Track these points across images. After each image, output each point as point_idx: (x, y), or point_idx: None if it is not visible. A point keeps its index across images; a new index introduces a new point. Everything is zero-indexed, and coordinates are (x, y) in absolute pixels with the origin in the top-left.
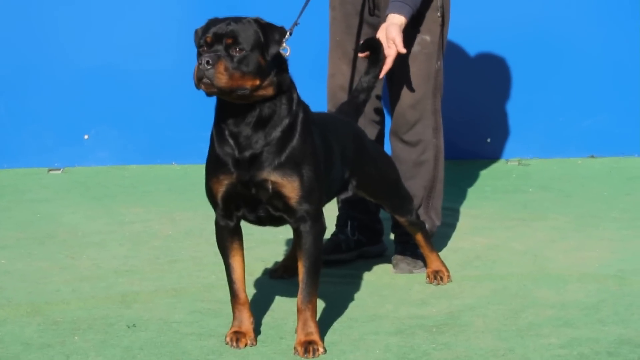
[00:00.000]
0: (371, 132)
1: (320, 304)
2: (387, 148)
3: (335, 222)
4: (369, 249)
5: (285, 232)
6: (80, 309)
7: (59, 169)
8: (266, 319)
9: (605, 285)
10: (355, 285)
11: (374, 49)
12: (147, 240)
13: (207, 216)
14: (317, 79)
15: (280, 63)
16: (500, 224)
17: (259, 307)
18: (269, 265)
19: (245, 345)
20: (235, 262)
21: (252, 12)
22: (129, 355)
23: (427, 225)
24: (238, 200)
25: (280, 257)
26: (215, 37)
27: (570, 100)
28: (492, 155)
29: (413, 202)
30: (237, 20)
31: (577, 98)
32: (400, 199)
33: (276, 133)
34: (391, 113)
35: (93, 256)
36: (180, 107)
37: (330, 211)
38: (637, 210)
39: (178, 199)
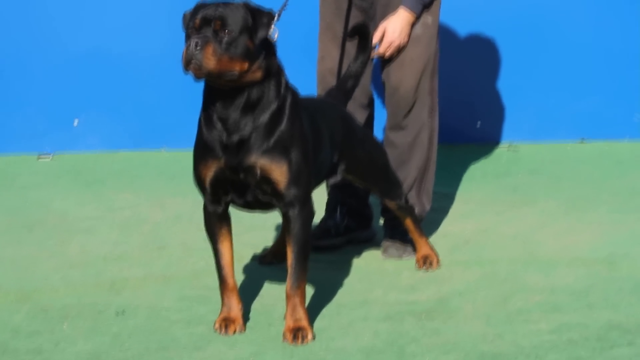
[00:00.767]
0: (360, 117)
1: (309, 290)
2: (377, 133)
3: (324, 207)
4: (358, 235)
5: (275, 217)
6: (69, 296)
7: (49, 155)
8: (255, 305)
9: (595, 269)
10: (344, 270)
11: (363, 34)
12: (137, 226)
13: (196, 202)
14: (306, 62)
15: (268, 47)
16: (490, 209)
17: (248, 293)
18: (258, 251)
19: (234, 331)
20: (224, 247)
21: None
22: (118, 342)
23: (417, 210)
24: (226, 185)
25: (269, 243)
26: (203, 21)
27: (561, 84)
28: (482, 139)
29: (402, 186)
30: (226, 4)
31: (567, 81)
32: (389, 183)
33: (264, 117)
34: (389, 96)
35: (82, 242)
36: (170, 93)
37: (319, 196)
38: (628, 193)
39: (168, 184)
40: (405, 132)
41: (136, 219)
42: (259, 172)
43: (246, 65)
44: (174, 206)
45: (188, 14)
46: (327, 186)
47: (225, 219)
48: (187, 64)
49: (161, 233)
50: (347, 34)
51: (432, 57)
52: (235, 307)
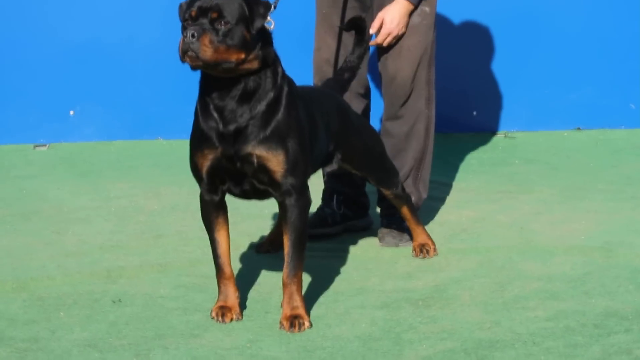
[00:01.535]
0: (357, 106)
1: (306, 278)
2: (374, 122)
3: (321, 195)
4: (355, 223)
5: (272, 206)
6: (65, 285)
7: (45, 145)
8: (252, 294)
9: (591, 257)
10: (341, 259)
11: (359, 28)
12: (133, 216)
13: (192, 191)
14: (303, 52)
15: (265, 37)
16: (487, 197)
17: (245, 281)
18: (255, 240)
19: (231, 319)
20: (221, 236)
21: None
22: (115, 330)
23: (413, 198)
24: (223, 175)
25: (266, 232)
26: (200, 11)
27: (557, 73)
28: (479, 127)
29: (398, 175)
30: None
31: (563, 70)
32: (385, 171)
33: (261, 107)
34: (386, 86)
35: (78, 232)
36: (165, 82)
37: (316, 185)
38: (623, 182)
39: (164, 174)
40: (401, 121)
41: (132, 208)
42: (255, 161)
43: (243, 55)
44: (170, 196)
45: (184, 4)
46: (324, 174)
47: (222, 208)
48: (184, 54)
49: (157, 222)
50: (344, 27)
51: (429, 47)
52: (232, 295)
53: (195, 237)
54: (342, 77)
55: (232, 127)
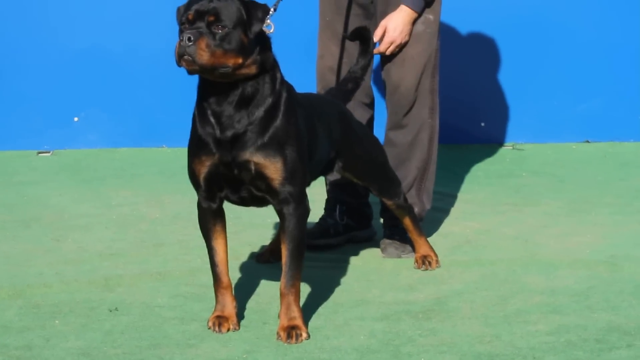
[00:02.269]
0: (361, 115)
1: (306, 289)
2: (378, 132)
3: (324, 205)
4: (357, 234)
5: (274, 215)
6: (62, 292)
7: (48, 152)
8: (250, 304)
9: (595, 271)
10: (343, 269)
11: (364, 38)
12: (134, 224)
13: (195, 199)
14: (307, 59)
15: (263, 41)
16: (492, 209)
17: (244, 291)
18: (256, 249)
19: (228, 330)
20: (218, 244)
21: None
22: (110, 339)
23: (416, 209)
24: (220, 181)
25: (267, 241)
26: (197, 14)
27: (565, 85)
28: (486, 139)
29: (401, 185)
30: None
31: (572, 82)
32: (387, 181)
33: (259, 113)
34: (389, 94)
35: (78, 239)
36: (171, 90)
37: (319, 195)
38: (631, 195)
39: (167, 182)
40: (405, 131)
41: (134, 216)
42: (253, 168)
43: (240, 60)
44: (172, 204)
45: (182, 7)
46: (327, 184)
47: (220, 216)
48: (180, 58)
49: (158, 230)
50: (348, 37)
51: (433, 55)
52: (229, 305)
53: (196, 245)
54: (345, 87)
55: (229, 133)
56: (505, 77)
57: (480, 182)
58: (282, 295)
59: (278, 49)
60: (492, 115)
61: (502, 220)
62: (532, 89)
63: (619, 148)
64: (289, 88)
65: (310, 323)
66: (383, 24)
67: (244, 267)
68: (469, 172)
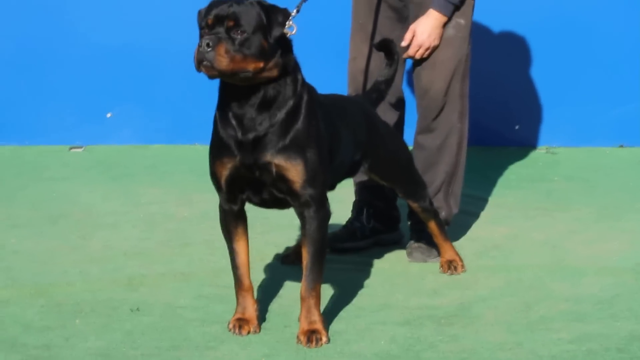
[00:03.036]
0: (390, 117)
1: (330, 292)
2: (408, 135)
3: (351, 208)
4: (384, 237)
5: None
6: (85, 291)
7: (81, 147)
8: (273, 306)
9: (622, 279)
10: (368, 273)
11: (389, 50)
12: (162, 222)
13: None
14: (339, 61)
15: (284, 44)
16: (522, 214)
17: (267, 293)
18: (282, 250)
19: (248, 332)
20: (240, 246)
21: None
22: (129, 339)
23: (444, 213)
24: (242, 183)
25: (293, 243)
26: (216, 19)
27: (601, 89)
28: (521, 142)
29: (426, 188)
30: (239, 1)
31: (607, 86)
32: (413, 183)
33: (280, 115)
34: (419, 98)
35: (105, 237)
36: (204, 88)
37: (347, 197)
38: None
39: (197, 180)
40: (434, 134)
41: (162, 215)
42: (274, 170)
43: (260, 64)
44: (201, 203)
45: (203, 11)
46: (355, 187)
47: (241, 218)
48: (199, 63)
49: (186, 230)
50: (375, 46)
51: (463, 60)
52: (250, 308)
53: (221, 246)
54: (376, 91)
55: (251, 135)
56: (541, 80)
57: (512, 185)
58: (302, 298)
59: (309, 50)
60: (526, 118)
61: (532, 225)
62: (567, 92)
63: None
64: (310, 90)
65: (331, 327)
66: (412, 27)
67: (268, 269)
68: (501, 175)
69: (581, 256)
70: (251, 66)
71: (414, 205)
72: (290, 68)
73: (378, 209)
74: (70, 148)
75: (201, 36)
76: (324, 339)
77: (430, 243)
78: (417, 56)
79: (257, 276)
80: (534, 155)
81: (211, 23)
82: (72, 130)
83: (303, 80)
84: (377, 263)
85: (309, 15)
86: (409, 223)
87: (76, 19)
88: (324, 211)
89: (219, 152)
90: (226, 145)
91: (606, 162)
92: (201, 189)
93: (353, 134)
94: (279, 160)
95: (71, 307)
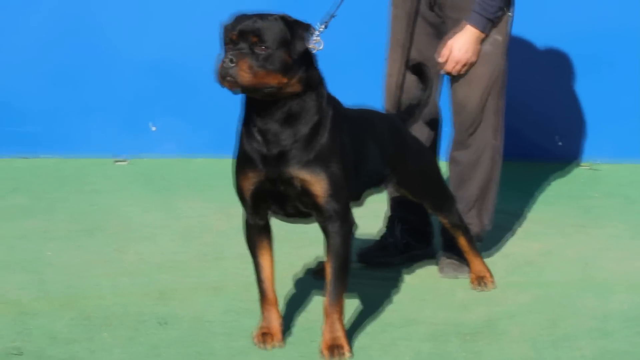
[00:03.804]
0: (426, 136)
1: (358, 307)
2: (443, 150)
3: (384, 223)
4: (417, 252)
5: None
6: (115, 304)
7: (125, 160)
8: (300, 320)
9: None
10: (397, 288)
11: (423, 74)
12: (199, 236)
13: None
14: (374, 76)
15: (308, 59)
16: (558, 230)
17: (295, 307)
18: (314, 265)
19: (273, 346)
20: (264, 260)
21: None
22: (154, 353)
23: (476, 229)
24: (267, 197)
25: None
26: (240, 35)
27: None
28: (563, 157)
29: (455, 203)
30: (263, 17)
31: None
32: (442, 198)
33: (305, 130)
34: (455, 114)
35: (140, 250)
36: None
37: (380, 211)
38: None
39: None
40: (469, 150)
41: (199, 228)
42: (299, 185)
43: (284, 80)
44: (239, 217)
45: (228, 26)
46: (389, 202)
47: (266, 232)
48: (222, 78)
49: (222, 243)
50: (409, 69)
51: (499, 76)
52: (274, 321)
53: None
54: (410, 113)
55: (275, 150)
56: (585, 94)
57: (550, 201)
58: (326, 313)
59: (344, 65)
60: (569, 133)
61: (566, 241)
62: (611, 108)
63: None
64: (336, 104)
65: (356, 342)
66: (449, 44)
67: (299, 283)
68: (540, 190)
69: (613, 273)
70: (274, 81)
71: (444, 220)
72: (315, 83)
73: (412, 224)
74: (115, 161)
75: (225, 51)
76: (347, 353)
77: (462, 258)
78: (454, 72)
79: (287, 290)
80: (575, 171)
81: (235, 38)
82: (116, 143)
83: (328, 95)
84: (407, 278)
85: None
86: (442, 238)
87: (120, 33)
88: (348, 226)
89: (244, 166)
90: (251, 159)
91: None
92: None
93: (381, 147)
94: (303, 175)
95: (100, 319)
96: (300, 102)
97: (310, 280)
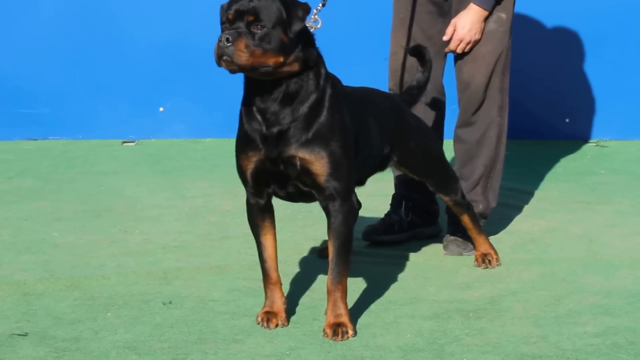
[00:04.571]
0: (430, 116)
1: (362, 285)
2: (448, 128)
3: (390, 201)
4: (422, 230)
5: None
6: (119, 285)
7: (133, 141)
8: (304, 299)
9: None
10: (401, 266)
11: (422, 56)
12: (204, 216)
13: None
14: (378, 55)
15: (306, 38)
16: (564, 207)
17: (300, 286)
18: (319, 244)
19: (276, 325)
20: (267, 240)
21: None
22: (158, 332)
23: (481, 207)
24: (267, 177)
25: None
26: (236, 14)
27: None
28: (571, 135)
29: (458, 181)
30: None
31: None
32: (444, 176)
33: (303, 109)
34: (460, 92)
35: (146, 231)
36: None
37: (386, 190)
38: None
39: None
40: (473, 128)
41: (205, 208)
42: (298, 163)
43: (281, 59)
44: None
45: (224, 5)
46: (394, 180)
47: (268, 212)
48: (219, 58)
49: (227, 223)
50: (408, 50)
51: (504, 54)
52: (278, 301)
53: None
54: (410, 95)
55: (274, 129)
56: (593, 73)
57: (558, 179)
58: (328, 292)
59: (348, 45)
60: (577, 111)
61: (572, 218)
62: (619, 85)
63: None
64: (335, 83)
65: (360, 320)
66: (453, 22)
67: (303, 262)
68: (549, 168)
69: (617, 249)
70: (271, 61)
71: (446, 198)
72: (312, 62)
73: (417, 202)
74: (123, 142)
75: (222, 31)
76: (350, 332)
77: (467, 236)
78: (459, 50)
79: (292, 269)
80: (583, 148)
81: (232, 18)
82: (124, 125)
83: (326, 73)
84: (412, 256)
85: (348, 9)
86: (447, 216)
87: (130, 15)
88: (349, 204)
89: (244, 145)
90: (251, 139)
91: None
92: None
93: (381, 126)
94: (302, 154)
95: (104, 300)
96: (298, 81)
97: (315, 259)
